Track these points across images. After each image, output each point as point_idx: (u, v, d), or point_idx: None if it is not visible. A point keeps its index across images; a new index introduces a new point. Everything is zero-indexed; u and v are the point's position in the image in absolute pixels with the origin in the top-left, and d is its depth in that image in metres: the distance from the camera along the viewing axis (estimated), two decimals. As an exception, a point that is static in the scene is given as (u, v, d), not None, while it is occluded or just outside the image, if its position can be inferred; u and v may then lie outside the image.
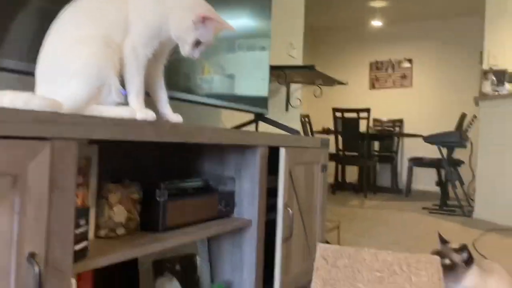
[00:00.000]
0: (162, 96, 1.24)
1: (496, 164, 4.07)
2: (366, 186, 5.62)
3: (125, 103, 1.13)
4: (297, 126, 3.55)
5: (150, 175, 1.67)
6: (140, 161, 1.62)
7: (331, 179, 6.27)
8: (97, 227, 1.19)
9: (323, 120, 6.74)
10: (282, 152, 1.58)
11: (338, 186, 6.04)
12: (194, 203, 1.41)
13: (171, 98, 1.66)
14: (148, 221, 1.29)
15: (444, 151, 4.62)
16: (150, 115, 1.10)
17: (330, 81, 3.49)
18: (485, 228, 3.65)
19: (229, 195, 1.58)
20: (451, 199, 4.85)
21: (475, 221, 4.05)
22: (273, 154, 1.64)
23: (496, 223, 3.88)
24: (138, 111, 1.10)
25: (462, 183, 4.66)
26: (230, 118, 2.63)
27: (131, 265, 1.48)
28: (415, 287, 1.22)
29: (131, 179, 1.31)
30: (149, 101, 1.24)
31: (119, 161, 1.51)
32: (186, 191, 1.44)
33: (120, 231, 1.22)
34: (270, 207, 1.72)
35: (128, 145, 1.55)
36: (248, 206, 1.59)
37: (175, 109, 1.32)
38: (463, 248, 1.43)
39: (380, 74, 7.15)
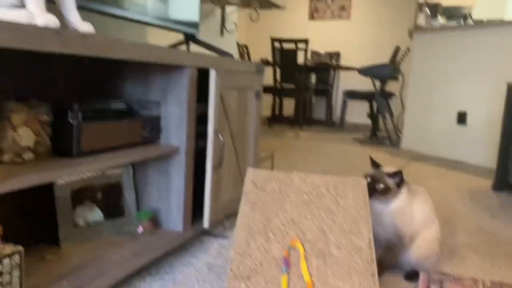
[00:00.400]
0: (68, 0, 1.07)
1: (424, 97, 4.23)
2: (301, 119, 5.70)
3: (22, 6, 0.96)
4: (234, 54, 3.41)
5: (63, 96, 1.51)
6: (51, 79, 1.45)
7: (268, 112, 6.28)
8: (0, 151, 1.06)
9: (262, 51, 6.61)
10: (213, 74, 1.48)
11: (275, 119, 6.07)
12: (114, 127, 1.30)
13: (85, 9, 1.48)
14: (61, 145, 1.17)
15: (377, 83, 4.72)
16: (52, 21, 0.95)
17: (267, 4, 3.32)
18: (410, 157, 3.86)
19: (155, 120, 1.48)
20: (381, 130, 5.05)
21: (402, 151, 4.27)
22: (203, 79, 1.54)
23: (421, 152, 4.11)
24: (37, 15, 0.94)
25: (392, 115, 4.83)
26: (158, 39, 2.44)
27: (47, 193, 1.37)
28: (341, 209, 1.23)
29: (40, 99, 1.17)
30: (52, 8, 1.07)
31: (25, 78, 1.34)
32: (105, 114, 1.31)
33: (28, 156, 1.10)
34: (201, 134, 1.64)
35: (33, 58, 1.37)
36: (176, 132, 1.50)
37: (89, 23, 1.16)
38: (397, 173, 1.45)
39: (320, 5, 7.03)
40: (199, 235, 1.76)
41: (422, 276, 1.48)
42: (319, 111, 6.74)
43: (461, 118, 3.81)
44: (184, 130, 1.48)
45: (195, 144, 1.56)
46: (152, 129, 1.46)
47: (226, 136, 1.66)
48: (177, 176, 1.51)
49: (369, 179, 1.45)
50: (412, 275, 1.48)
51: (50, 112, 1.16)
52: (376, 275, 1.07)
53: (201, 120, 1.62)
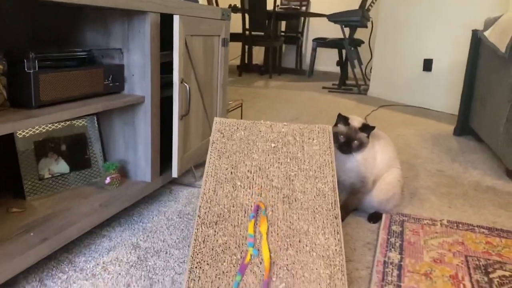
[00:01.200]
0: None
1: (392, 45, 4.25)
2: (271, 67, 5.64)
3: None
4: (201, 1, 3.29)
5: (19, 44, 1.44)
6: (4, 26, 1.37)
7: (237, 61, 6.18)
8: (-49, 103, 1.01)
9: (230, -3, 6.40)
10: (176, 20, 1.42)
11: (244, 68, 6.00)
12: (74, 76, 1.25)
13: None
14: (18, 96, 1.13)
15: (347, 31, 4.69)
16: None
17: None
18: (377, 104, 3.92)
19: (117, 69, 1.43)
20: (350, 78, 5.08)
21: (370, 98, 4.33)
22: (167, 26, 1.48)
23: (388, 99, 4.18)
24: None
25: (360, 63, 4.85)
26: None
27: (9, 146, 1.33)
28: (307, 155, 1.25)
29: (-9, 47, 1.11)
30: None
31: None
32: (64, 62, 1.26)
33: (-17, 107, 1.05)
34: (166, 83, 1.61)
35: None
36: (140, 81, 1.46)
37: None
38: (367, 126, 1.47)
39: None
40: (169, 184, 1.77)
41: (384, 218, 1.55)
42: (289, 60, 6.68)
43: (427, 65, 3.86)
44: (148, 79, 1.44)
45: (160, 94, 1.54)
46: (114, 79, 1.42)
47: (193, 85, 1.63)
48: (143, 126, 1.49)
49: (343, 138, 1.47)
50: (375, 217, 1.55)
51: (4, 61, 1.10)
52: (340, 217, 1.11)
53: (166, 68, 1.58)
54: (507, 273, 1.23)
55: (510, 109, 2.07)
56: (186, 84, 1.52)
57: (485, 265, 1.27)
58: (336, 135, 1.47)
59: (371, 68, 4.58)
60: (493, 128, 2.29)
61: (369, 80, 4.67)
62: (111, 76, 1.40)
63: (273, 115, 3.27)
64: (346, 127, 1.50)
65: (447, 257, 1.31)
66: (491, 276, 1.22)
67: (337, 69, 5.24)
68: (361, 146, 1.48)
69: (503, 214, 1.67)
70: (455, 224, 1.54)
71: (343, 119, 1.51)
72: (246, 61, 6.07)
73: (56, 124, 1.42)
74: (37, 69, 1.11)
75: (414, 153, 2.44)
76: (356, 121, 1.51)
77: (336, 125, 1.52)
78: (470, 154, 2.46)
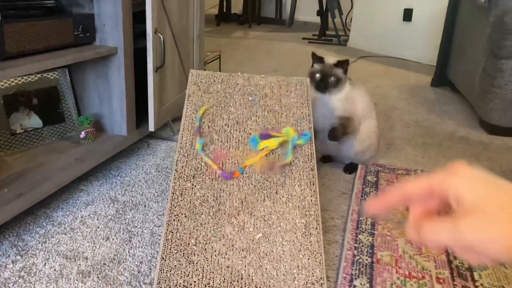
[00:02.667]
0: None
1: (373, -7, 4.16)
2: (250, 16, 5.50)
3: None
4: None
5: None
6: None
7: (215, 10, 5.99)
8: None
9: None
10: (148, -34, 1.35)
11: (223, 18, 5.82)
12: (42, 26, 1.19)
13: None
14: (-18, 48, 1.07)
15: (327, -21, 4.56)
16: None
17: None
18: (357, 55, 3.89)
19: (87, 19, 1.37)
20: (330, 29, 5.00)
21: (350, 49, 4.29)
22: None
23: (368, 50, 4.15)
24: None
25: (341, 13, 4.76)
26: None
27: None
28: (285, 108, 1.24)
29: None
30: None
31: None
32: (30, 12, 1.20)
33: None
34: (140, 34, 1.55)
35: None
36: (112, 32, 1.41)
37: None
38: (342, 62, 1.47)
39: None
40: (146, 138, 1.75)
41: (359, 168, 1.58)
42: (268, 9, 6.51)
43: (407, 15, 3.81)
44: (120, 29, 1.39)
45: (134, 45, 1.49)
46: (85, 29, 1.36)
47: (167, 35, 1.58)
48: (117, 78, 1.45)
49: (318, 75, 1.46)
50: (351, 168, 1.58)
51: (-36, 10, 1.04)
52: (315, 169, 1.12)
53: (139, 18, 1.52)
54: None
55: (487, 60, 2.09)
56: (160, 34, 1.47)
57: (454, 212, 1.32)
58: (312, 75, 1.47)
59: (351, 18, 4.51)
60: (469, 79, 2.32)
61: (349, 30, 4.60)
62: (81, 27, 1.34)
63: (252, 67, 3.22)
64: (321, 65, 1.49)
65: (419, 205, 1.36)
66: (460, 222, 1.27)
67: (318, 19, 5.13)
68: (338, 82, 1.46)
69: (475, 163, 1.71)
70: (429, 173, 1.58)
71: (317, 58, 1.51)
72: (224, 10, 5.88)
73: (26, 77, 1.37)
74: (0, 18, 1.05)
75: (391, 104, 2.45)
76: (331, 59, 1.51)
77: (312, 66, 1.51)
78: (446, 105, 2.50)
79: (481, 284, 1.01)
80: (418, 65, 3.63)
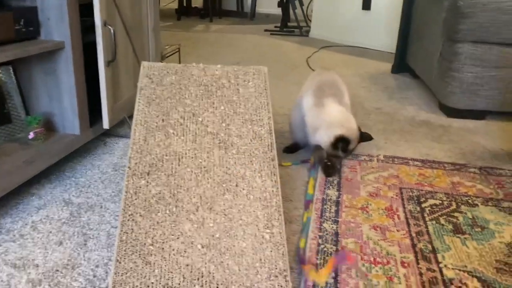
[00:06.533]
0: None
1: (332, -17, 4.17)
2: (211, 10, 5.42)
3: None
4: None
5: None
6: None
7: (175, 4, 5.87)
8: None
9: None
10: (92, -45, 1.28)
11: (183, 12, 5.72)
12: (-24, 21, 1.11)
13: None
14: None
15: (287, -30, 4.54)
16: None
17: None
18: (319, 46, 3.90)
19: (30, 13, 1.29)
20: (292, 20, 4.99)
21: (311, 40, 4.29)
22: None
23: (329, 41, 4.16)
24: None
25: (301, 4, 4.76)
26: None
27: None
28: (242, 98, 1.21)
29: None
30: None
31: None
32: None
33: None
34: (89, 27, 1.48)
35: None
36: (58, 26, 1.33)
37: None
38: (337, 142, 1.42)
39: None
40: (102, 137, 1.68)
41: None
42: (229, 2, 6.44)
43: (366, 3, 3.84)
44: (66, 22, 1.31)
45: (83, 39, 1.41)
46: (27, 23, 1.28)
47: (118, 28, 1.51)
48: (66, 75, 1.37)
49: (327, 162, 1.45)
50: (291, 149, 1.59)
51: None
52: (276, 159, 1.10)
53: (87, 10, 1.44)
54: (437, 202, 1.30)
55: (443, 44, 2.12)
56: (110, 27, 1.40)
57: (417, 196, 1.33)
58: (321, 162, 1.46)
59: (312, 9, 4.51)
60: (428, 63, 2.35)
61: (310, 21, 4.61)
62: (23, 20, 1.26)
63: (214, 61, 3.17)
64: (318, 151, 1.46)
65: (382, 190, 1.35)
66: (423, 205, 1.27)
67: (279, 11, 5.11)
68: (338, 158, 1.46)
69: (436, 146, 1.74)
70: (391, 159, 1.59)
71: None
72: (184, 4, 5.78)
73: (-36, 77, 1.28)
74: None
75: (353, 92, 2.46)
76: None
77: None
78: (407, 91, 2.53)
79: (445, 266, 1.01)
80: (378, 53, 3.67)
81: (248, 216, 0.99)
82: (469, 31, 1.94)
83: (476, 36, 1.94)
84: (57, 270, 0.98)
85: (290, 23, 4.89)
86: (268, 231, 0.97)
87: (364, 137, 1.49)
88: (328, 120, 1.45)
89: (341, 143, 1.40)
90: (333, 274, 0.96)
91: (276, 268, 0.90)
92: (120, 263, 0.87)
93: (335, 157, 1.44)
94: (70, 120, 1.43)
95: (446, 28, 2.07)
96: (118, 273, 0.86)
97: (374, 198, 1.31)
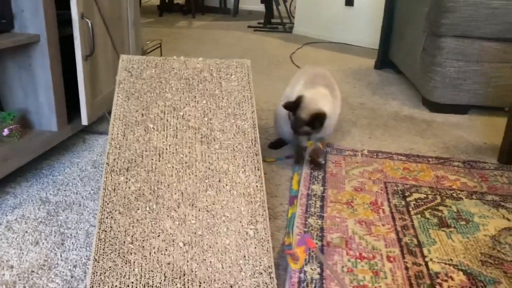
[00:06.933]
0: None
1: (315, -21, 4.16)
2: (194, 6, 5.37)
3: None
4: None
5: None
6: None
7: (157, 1, 5.80)
8: None
9: None
10: None
11: (166, 8, 5.65)
12: None
13: None
14: None
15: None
16: None
17: None
18: (302, 42, 3.88)
19: (3, 4, 1.24)
20: (275, 17, 4.97)
21: (295, 36, 4.27)
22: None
23: (313, 37, 4.15)
24: None
25: (285, 1, 4.74)
26: None
27: None
28: (225, 92, 1.18)
29: None
30: None
31: None
32: None
33: None
34: (67, 21, 1.43)
35: None
36: (33, 18, 1.28)
37: None
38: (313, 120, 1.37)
39: None
40: (82, 133, 1.63)
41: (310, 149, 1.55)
42: (212, -2, 6.39)
43: (349, -1, 3.84)
44: (41, 14, 1.27)
45: (60, 32, 1.36)
46: (1, 16, 1.22)
47: (96, 21, 1.46)
48: (42, 69, 1.32)
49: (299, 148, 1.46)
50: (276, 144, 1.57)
51: None
52: (260, 154, 1.07)
53: (64, 3, 1.40)
54: (422, 195, 1.29)
55: (426, 39, 2.12)
56: (87, 20, 1.35)
57: (402, 190, 1.32)
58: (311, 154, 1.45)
59: (296, 5, 4.49)
60: (411, 58, 2.35)
61: (294, 17, 4.59)
62: (-5, 12, 1.21)
63: (196, 57, 3.12)
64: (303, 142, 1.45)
65: (367, 185, 1.34)
66: (408, 199, 1.27)
67: (262, 7, 5.08)
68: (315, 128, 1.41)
69: (419, 140, 1.74)
70: (375, 153, 1.58)
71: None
72: (166, 0, 5.71)
73: None
74: None
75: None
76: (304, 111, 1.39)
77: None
78: (390, 86, 2.53)
79: (431, 259, 1.00)
80: (362, 49, 3.68)
81: (232, 212, 0.96)
82: (452, 25, 1.94)
83: (458, 30, 1.95)
84: (33, 271, 0.94)
85: (274, 19, 4.87)
86: (252, 227, 0.94)
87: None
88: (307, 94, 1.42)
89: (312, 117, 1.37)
90: (318, 270, 0.94)
91: (261, 265, 0.88)
92: (98, 262, 0.84)
93: (303, 133, 1.41)
94: (46, 117, 1.38)
95: (429, 22, 2.07)
96: (96, 272, 0.83)
97: (359, 193, 1.29)
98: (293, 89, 1.51)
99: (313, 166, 1.43)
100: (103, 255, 0.85)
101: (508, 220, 1.17)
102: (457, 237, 1.09)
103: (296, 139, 1.49)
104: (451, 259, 1.01)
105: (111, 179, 0.96)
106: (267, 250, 0.91)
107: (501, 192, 1.32)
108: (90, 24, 1.37)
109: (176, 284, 0.83)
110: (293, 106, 1.37)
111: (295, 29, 4.46)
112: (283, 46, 3.71)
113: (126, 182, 0.96)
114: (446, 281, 0.94)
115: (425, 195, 1.29)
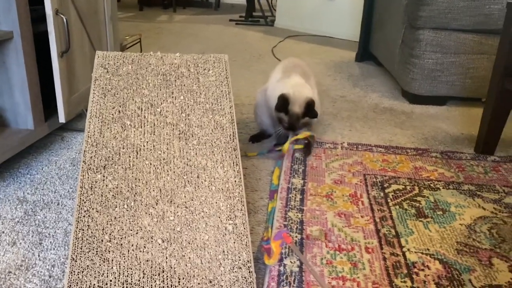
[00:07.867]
0: None
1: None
2: (175, 0, 5.31)
3: None
4: None
5: None
6: None
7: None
8: None
9: None
10: None
11: (146, 2, 5.57)
12: None
13: None
14: None
15: (250, -42, 4.48)
16: None
17: None
18: (284, 35, 3.88)
19: (-28, 0, 1.21)
20: (257, 10, 4.95)
21: (276, 29, 4.27)
22: None
23: (294, 30, 4.15)
24: None
25: (266, -7, 4.72)
26: None
27: None
28: (203, 87, 1.18)
29: None
30: None
31: None
32: None
33: None
34: (41, 17, 1.40)
35: None
36: (5, 15, 1.25)
37: None
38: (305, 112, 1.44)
39: None
40: (60, 131, 1.61)
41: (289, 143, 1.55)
42: (193, -8, 6.33)
43: (330, -8, 3.85)
44: (14, 10, 1.24)
45: (35, 29, 1.34)
46: (-30, 11, 1.20)
47: (72, 17, 1.44)
48: (16, 67, 1.30)
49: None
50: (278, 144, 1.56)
51: None
52: (238, 149, 1.07)
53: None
54: (400, 187, 1.31)
55: (405, 31, 2.14)
56: (62, 16, 1.33)
57: (381, 182, 1.34)
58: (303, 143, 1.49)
59: (277, -2, 4.49)
60: (390, 51, 2.37)
61: (275, 10, 4.58)
62: (-35, 9, 1.18)
63: (177, 51, 3.07)
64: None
65: (347, 177, 1.36)
66: (386, 191, 1.28)
67: (244, 1, 5.06)
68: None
69: (399, 132, 1.76)
70: (355, 146, 1.59)
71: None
72: (147, -5, 5.63)
73: None
74: None
75: (318, 81, 2.46)
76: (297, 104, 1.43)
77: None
78: (370, 78, 2.55)
79: (408, 250, 1.02)
80: (343, 42, 3.69)
81: (210, 208, 0.96)
82: (429, 18, 1.96)
83: (436, 22, 1.97)
84: (10, 272, 0.93)
85: (255, 12, 4.85)
86: (231, 222, 0.94)
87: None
88: (286, 82, 1.49)
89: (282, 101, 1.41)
90: (298, 263, 0.95)
91: (240, 260, 0.88)
92: (75, 261, 0.84)
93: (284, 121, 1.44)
94: (22, 115, 1.36)
95: (407, 15, 2.09)
96: (74, 272, 0.82)
97: (339, 185, 1.31)
98: (270, 80, 1.54)
99: (305, 150, 1.47)
100: (81, 254, 0.85)
101: (484, 209, 1.20)
102: (434, 227, 1.11)
103: (276, 128, 1.50)
104: (428, 249, 1.02)
105: (88, 177, 0.95)
106: (246, 245, 0.91)
107: (477, 182, 1.35)
108: (65, 20, 1.34)
109: (155, 281, 0.83)
110: (283, 104, 1.41)
111: (276, 22, 4.46)
112: (264, 39, 3.71)
113: (103, 180, 0.96)
114: (422, 270, 0.95)
115: (403, 186, 1.31)
